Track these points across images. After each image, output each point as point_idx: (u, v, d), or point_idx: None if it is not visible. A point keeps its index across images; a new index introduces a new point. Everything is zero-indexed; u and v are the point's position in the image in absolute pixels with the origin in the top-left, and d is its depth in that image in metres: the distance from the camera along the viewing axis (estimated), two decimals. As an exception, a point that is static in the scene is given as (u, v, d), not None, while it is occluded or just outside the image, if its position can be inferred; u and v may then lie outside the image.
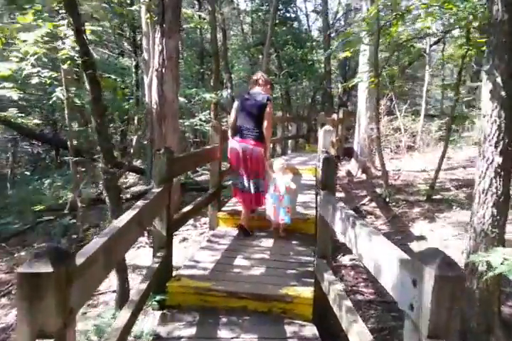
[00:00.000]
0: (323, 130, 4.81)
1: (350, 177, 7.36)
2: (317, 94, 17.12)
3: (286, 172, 4.31)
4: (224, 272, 3.47)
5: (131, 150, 6.59)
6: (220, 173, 5.12)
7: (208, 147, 5.15)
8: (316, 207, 3.94)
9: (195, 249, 4.26)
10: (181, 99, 7.86)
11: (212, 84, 13.15)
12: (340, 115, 9.54)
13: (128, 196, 6.98)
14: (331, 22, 19.77)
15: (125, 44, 10.74)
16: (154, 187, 3.24)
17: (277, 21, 14.49)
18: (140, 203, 2.59)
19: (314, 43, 18.59)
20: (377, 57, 4.97)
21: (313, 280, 3.18)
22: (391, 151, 8.54)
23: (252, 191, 4.27)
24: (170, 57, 5.80)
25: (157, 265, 3.06)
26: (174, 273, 3.42)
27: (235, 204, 5.19)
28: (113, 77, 6.85)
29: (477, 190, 2.74)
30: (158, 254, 3.21)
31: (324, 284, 2.78)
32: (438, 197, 5.67)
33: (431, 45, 10.28)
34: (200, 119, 8.52)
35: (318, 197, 3.34)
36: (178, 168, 3.68)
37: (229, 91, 7.68)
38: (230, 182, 5.08)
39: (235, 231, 4.49)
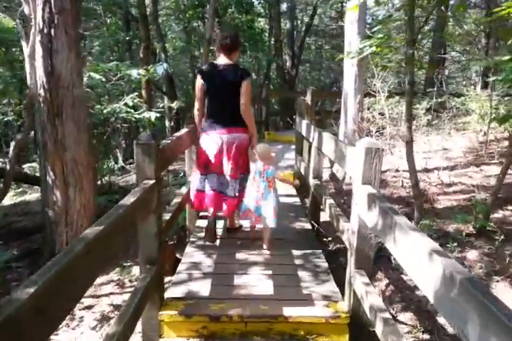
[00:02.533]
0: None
1: (335, 184, 5.50)
2: (269, 69, 14.96)
3: (270, 162, 3.25)
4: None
5: (10, 154, 4.23)
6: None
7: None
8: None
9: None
10: (97, 77, 5.48)
11: (141, 55, 10.64)
12: (309, 97, 7.57)
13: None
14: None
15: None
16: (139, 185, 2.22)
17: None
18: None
19: (258, 9, 16.29)
20: (414, 9, 3.01)
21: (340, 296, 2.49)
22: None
23: (234, 193, 3.26)
24: (62, 10, 3.50)
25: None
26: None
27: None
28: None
29: None
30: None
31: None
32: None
33: None
34: (127, 104, 6.19)
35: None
36: (164, 160, 2.61)
37: (165, 65, 5.39)
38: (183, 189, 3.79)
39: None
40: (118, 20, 15.03)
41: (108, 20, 16.02)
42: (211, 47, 13.67)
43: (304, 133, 4.50)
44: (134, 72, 5.40)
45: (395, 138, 7.27)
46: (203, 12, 12.57)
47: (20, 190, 8.45)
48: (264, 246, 3.25)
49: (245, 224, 3.68)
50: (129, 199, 1.67)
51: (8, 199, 8.39)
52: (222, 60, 3.29)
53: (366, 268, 2.11)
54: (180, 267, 2.85)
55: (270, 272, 2.79)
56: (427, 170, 5.81)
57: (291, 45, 17.48)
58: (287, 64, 17.29)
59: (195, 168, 3.42)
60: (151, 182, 2.07)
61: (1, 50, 5.40)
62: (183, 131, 3.40)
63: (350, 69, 5.41)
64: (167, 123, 11.66)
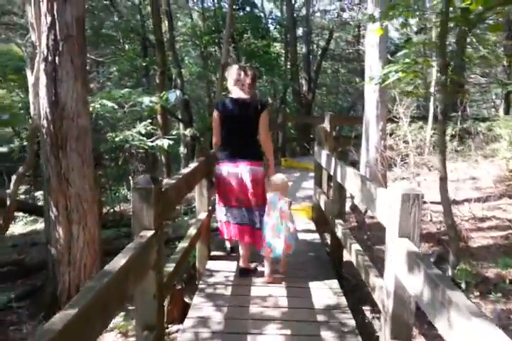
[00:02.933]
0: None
1: (357, 216, 5.14)
2: (286, 93, 14.81)
3: (285, 193, 3.25)
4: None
5: (11, 189, 4.02)
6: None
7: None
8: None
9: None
10: (109, 104, 5.32)
11: (157, 81, 10.61)
12: (327, 123, 7.30)
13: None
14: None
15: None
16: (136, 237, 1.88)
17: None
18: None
19: (274, 34, 16.32)
20: (447, 32, 2.73)
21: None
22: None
23: (260, 225, 3.24)
24: (67, 37, 3.33)
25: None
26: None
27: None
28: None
29: None
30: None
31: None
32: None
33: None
34: (139, 132, 6.02)
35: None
36: (167, 205, 2.29)
37: (178, 92, 5.19)
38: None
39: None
40: (136, 46, 15.22)
41: (126, 46, 16.27)
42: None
43: (323, 164, 4.20)
44: (146, 100, 5.22)
45: (419, 166, 6.90)
46: (219, 37, 12.57)
47: (32, 218, 8.28)
48: (279, 273, 3.28)
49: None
50: (118, 262, 1.37)
51: (20, 228, 8.22)
52: (238, 93, 3.34)
53: (404, 339, 1.74)
54: (187, 323, 2.51)
55: (289, 332, 2.41)
56: (456, 202, 5.40)
57: (308, 69, 17.39)
58: (303, 88, 17.18)
59: (218, 199, 3.41)
60: (150, 233, 1.75)
61: (11, 77, 5.31)
62: (193, 165, 3.13)
63: (371, 96, 5.13)
64: (182, 148, 11.51)
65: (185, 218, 6.39)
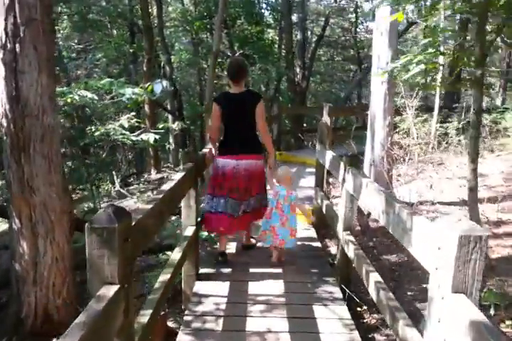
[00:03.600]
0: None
1: (360, 218, 4.72)
2: (280, 82, 14.23)
3: (290, 186, 3.47)
4: None
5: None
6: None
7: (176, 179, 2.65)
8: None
9: None
10: (89, 95, 4.79)
11: (144, 68, 10.03)
12: (325, 116, 6.80)
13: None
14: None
15: None
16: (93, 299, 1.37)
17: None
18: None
19: (268, 20, 15.67)
20: (486, 20, 2.26)
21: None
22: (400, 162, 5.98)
23: (245, 209, 3.41)
24: (30, 20, 2.82)
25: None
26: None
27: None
28: None
29: None
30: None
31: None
32: None
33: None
34: (122, 126, 5.52)
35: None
36: (142, 240, 1.86)
37: (164, 82, 4.69)
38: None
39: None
40: (124, 32, 14.50)
41: (115, 32, 15.53)
42: (220, 60, 13.08)
43: (327, 165, 3.75)
44: (129, 91, 4.70)
45: (425, 162, 6.49)
46: (211, 23, 11.95)
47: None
48: (275, 261, 3.44)
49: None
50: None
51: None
52: (234, 87, 3.42)
53: None
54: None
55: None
56: (466, 203, 4.99)
57: (302, 57, 16.80)
58: (298, 76, 16.61)
59: (209, 190, 3.48)
60: (113, 290, 1.29)
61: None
62: (179, 176, 2.62)
63: (379, 88, 4.66)
64: (171, 141, 10.96)
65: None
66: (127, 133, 5.53)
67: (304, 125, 14.18)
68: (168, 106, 11.25)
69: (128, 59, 13.66)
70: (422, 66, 2.78)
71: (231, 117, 3.36)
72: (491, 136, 7.22)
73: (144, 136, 5.58)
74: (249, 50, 12.07)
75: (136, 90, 4.77)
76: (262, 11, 14.12)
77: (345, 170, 2.80)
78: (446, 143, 6.56)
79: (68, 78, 11.78)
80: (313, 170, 7.04)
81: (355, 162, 2.73)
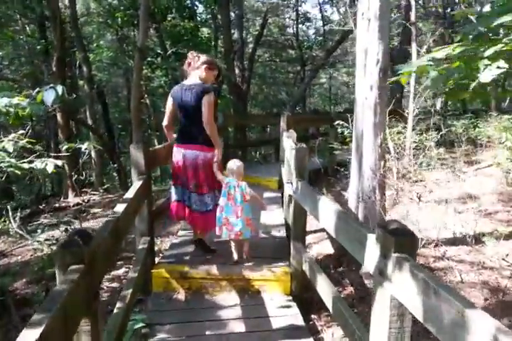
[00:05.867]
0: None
1: (348, 272, 3.45)
2: (222, 85, 12.73)
3: (240, 177, 3.44)
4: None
5: None
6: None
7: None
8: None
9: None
10: None
11: (53, 68, 8.18)
12: (283, 124, 5.48)
13: None
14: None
15: None
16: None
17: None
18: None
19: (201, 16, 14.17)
20: None
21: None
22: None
23: (204, 208, 3.46)
24: None
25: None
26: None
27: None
28: None
29: None
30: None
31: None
32: None
33: None
34: (4, 149, 3.91)
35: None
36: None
37: (59, 88, 3.08)
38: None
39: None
40: (34, 27, 12.33)
41: (28, 28, 13.28)
42: (149, 59, 11.36)
43: (333, 233, 2.34)
44: (3, 102, 3.07)
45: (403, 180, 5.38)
46: (137, 16, 10.25)
47: None
48: (244, 256, 3.40)
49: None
50: None
51: None
52: (187, 79, 3.50)
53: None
54: None
55: None
56: (476, 240, 3.90)
57: (241, 57, 15.50)
58: (237, 78, 15.25)
59: (172, 179, 3.62)
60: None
61: None
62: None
63: (367, 94, 3.40)
64: (93, 154, 9.05)
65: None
66: (12, 160, 3.88)
67: (248, 137, 12.77)
68: (88, 114, 9.39)
69: (39, 56, 11.53)
70: (503, 63, 1.54)
71: (181, 108, 3.45)
72: (467, 146, 6.25)
73: (38, 163, 3.95)
74: (183, 49, 10.51)
75: (15, 100, 3.15)
76: (195, 4, 12.59)
77: (393, 269, 1.46)
78: (423, 155, 5.51)
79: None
80: (273, 194, 5.72)
81: (407, 244, 1.41)
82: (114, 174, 13.12)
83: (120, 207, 2.23)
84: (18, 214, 6.29)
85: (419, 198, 4.22)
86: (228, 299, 2.90)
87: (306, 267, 2.63)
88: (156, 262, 3.39)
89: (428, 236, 3.84)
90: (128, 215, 2.40)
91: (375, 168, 3.50)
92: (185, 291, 3.02)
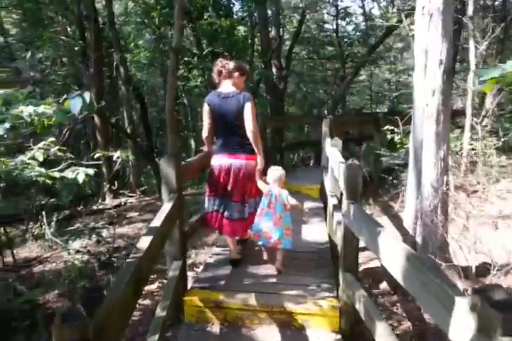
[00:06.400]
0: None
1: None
2: (259, 85, 12.38)
3: (281, 185, 3.43)
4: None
5: None
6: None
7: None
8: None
9: None
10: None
11: (91, 70, 8.11)
12: (325, 129, 5.09)
13: None
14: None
15: None
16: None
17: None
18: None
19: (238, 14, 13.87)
20: None
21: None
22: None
23: (241, 215, 3.42)
24: None
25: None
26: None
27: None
28: None
29: None
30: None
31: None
32: None
33: None
34: (34, 158, 3.78)
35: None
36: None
37: (87, 95, 2.86)
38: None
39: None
40: (73, 23, 12.43)
41: (69, 29, 13.44)
42: (186, 59, 11.18)
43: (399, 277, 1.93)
44: (29, 110, 2.88)
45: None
46: (173, 15, 10.06)
47: None
48: (276, 265, 3.31)
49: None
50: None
51: None
52: (222, 87, 3.44)
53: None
54: None
55: None
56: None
57: (278, 55, 15.11)
58: (275, 77, 14.86)
59: (208, 190, 3.53)
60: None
61: None
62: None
63: (428, 100, 2.98)
64: (130, 157, 8.97)
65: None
66: (42, 170, 3.73)
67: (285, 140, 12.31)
68: (125, 115, 9.30)
69: (78, 58, 11.60)
70: None
71: (220, 117, 3.41)
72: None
73: (69, 173, 3.80)
74: (220, 48, 10.25)
75: (42, 108, 2.94)
76: (232, 0, 12.29)
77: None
78: (484, 162, 4.98)
79: None
80: (315, 204, 5.28)
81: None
82: (152, 172, 13.12)
83: (144, 242, 1.92)
84: (56, 215, 6.24)
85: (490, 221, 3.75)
86: (268, 334, 2.58)
87: (359, 306, 2.25)
88: (190, 286, 3.18)
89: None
90: (152, 252, 2.07)
91: (436, 185, 3.07)
92: (220, 323, 2.78)
